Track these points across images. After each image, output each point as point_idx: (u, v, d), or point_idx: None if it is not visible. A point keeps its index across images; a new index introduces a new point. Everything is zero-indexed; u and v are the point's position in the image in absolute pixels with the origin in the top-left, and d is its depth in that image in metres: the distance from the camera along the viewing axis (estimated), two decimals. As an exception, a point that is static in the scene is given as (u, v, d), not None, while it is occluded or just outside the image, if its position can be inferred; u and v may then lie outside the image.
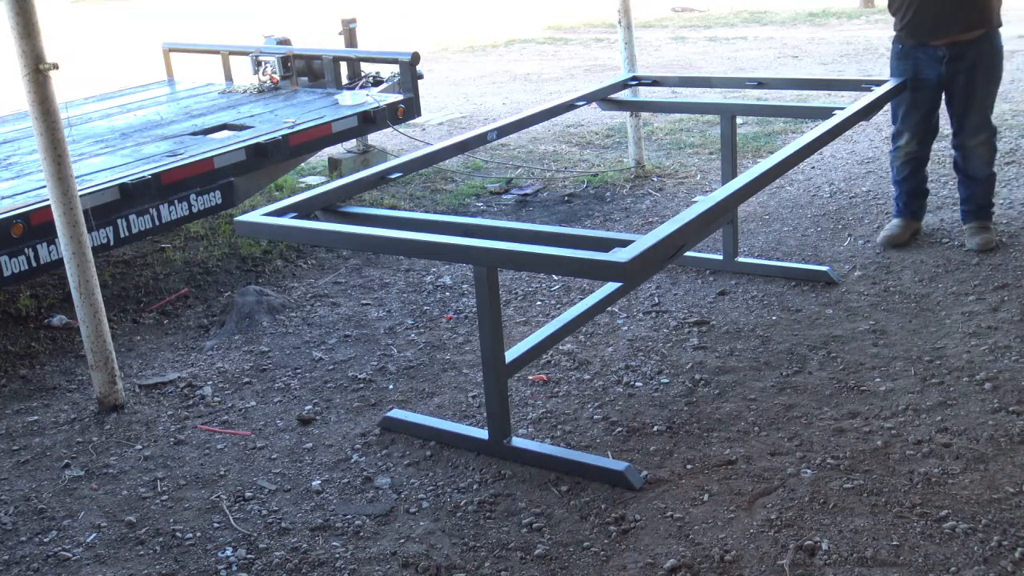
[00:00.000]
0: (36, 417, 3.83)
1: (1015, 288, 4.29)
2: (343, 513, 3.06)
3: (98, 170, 4.76)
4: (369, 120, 5.85)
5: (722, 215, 3.45)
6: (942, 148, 6.52)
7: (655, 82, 5.32)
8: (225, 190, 4.98)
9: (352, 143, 6.81)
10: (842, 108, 4.29)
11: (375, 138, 7.14)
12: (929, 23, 4.66)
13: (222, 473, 3.35)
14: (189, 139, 5.36)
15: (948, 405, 3.41)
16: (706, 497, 3.00)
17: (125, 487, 3.30)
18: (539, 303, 4.61)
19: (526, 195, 6.32)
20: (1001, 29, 4.72)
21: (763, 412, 3.46)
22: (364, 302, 4.77)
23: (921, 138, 4.90)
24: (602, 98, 5.03)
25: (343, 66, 6.63)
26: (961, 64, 4.65)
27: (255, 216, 3.31)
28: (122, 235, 4.54)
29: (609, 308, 4.26)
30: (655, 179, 6.47)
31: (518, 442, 3.31)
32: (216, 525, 3.05)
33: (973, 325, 3.99)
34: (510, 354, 3.33)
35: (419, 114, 6.39)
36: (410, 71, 6.20)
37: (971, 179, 4.88)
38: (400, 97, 6.12)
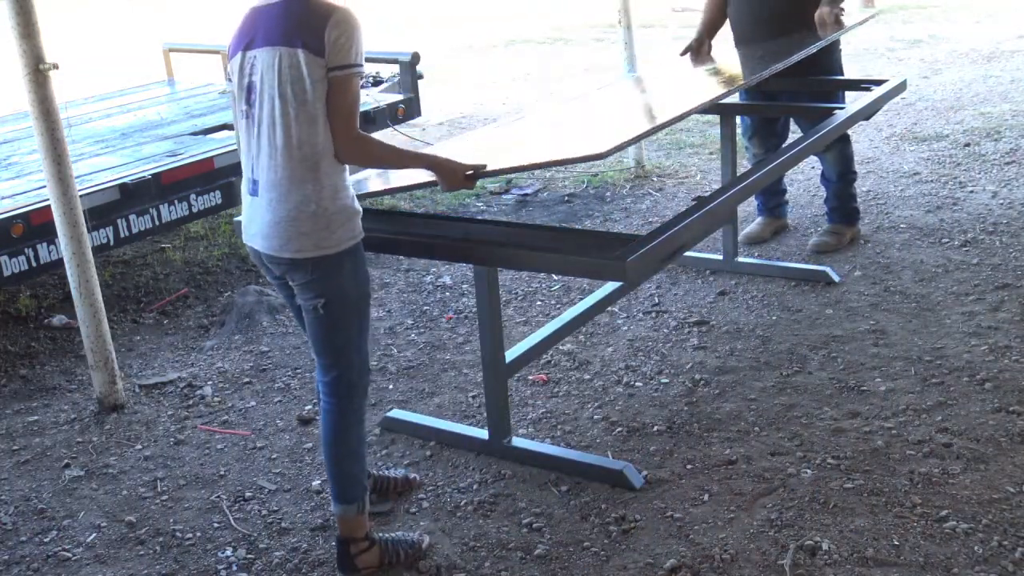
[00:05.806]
0: (36, 417, 3.83)
1: (1015, 288, 4.29)
2: (343, 513, 3.06)
3: (98, 170, 4.76)
4: (369, 120, 5.84)
5: (722, 215, 3.45)
6: (942, 148, 6.53)
7: (655, 82, 5.30)
8: (225, 190, 4.98)
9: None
10: (842, 108, 4.29)
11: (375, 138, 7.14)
12: (740, 31, 4.89)
13: (222, 473, 3.35)
14: (189, 139, 5.36)
15: (948, 405, 3.41)
16: (706, 497, 3.00)
17: (125, 487, 3.30)
18: (539, 303, 4.61)
19: (526, 195, 6.33)
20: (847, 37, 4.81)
21: (763, 412, 3.46)
22: (364, 302, 4.76)
23: (763, 141, 5.04)
24: (602, 98, 5.03)
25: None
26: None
27: (255, 216, 3.30)
28: (122, 235, 4.54)
29: (609, 308, 4.25)
30: (655, 179, 6.47)
31: (518, 442, 3.31)
32: (216, 525, 3.05)
33: (973, 325, 3.99)
34: (510, 354, 3.32)
35: (419, 114, 6.39)
36: (410, 71, 6.20)
37: (826, 181, 5.07)
38: (400, 97, 6.12)
